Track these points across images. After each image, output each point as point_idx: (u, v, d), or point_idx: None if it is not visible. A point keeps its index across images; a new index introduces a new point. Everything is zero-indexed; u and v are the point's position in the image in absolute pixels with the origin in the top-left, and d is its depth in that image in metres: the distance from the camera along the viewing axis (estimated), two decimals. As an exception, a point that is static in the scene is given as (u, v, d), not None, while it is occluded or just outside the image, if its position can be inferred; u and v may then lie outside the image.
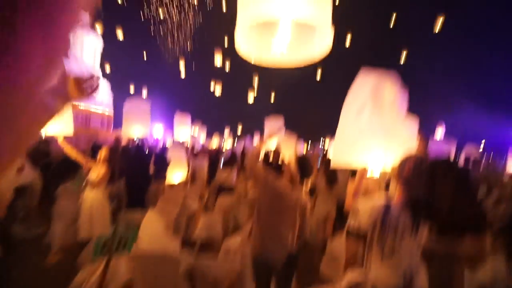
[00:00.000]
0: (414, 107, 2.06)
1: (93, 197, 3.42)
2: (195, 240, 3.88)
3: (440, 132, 9.89)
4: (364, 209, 1.64)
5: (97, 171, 3.44)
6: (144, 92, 16.81)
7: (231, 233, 4.06)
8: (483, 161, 7.60)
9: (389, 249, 1.49)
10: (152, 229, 2.41)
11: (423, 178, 1.46)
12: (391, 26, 15.05)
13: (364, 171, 1.81)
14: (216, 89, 15.02)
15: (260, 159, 2.35)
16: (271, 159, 5.26)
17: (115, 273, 1.97)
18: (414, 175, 1.51)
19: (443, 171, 1.49)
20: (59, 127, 3.07)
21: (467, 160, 4.89)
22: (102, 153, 3.52)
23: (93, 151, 7.24)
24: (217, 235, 4.06)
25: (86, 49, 16.37)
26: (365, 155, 1.84)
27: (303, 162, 2.45)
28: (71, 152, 3.55)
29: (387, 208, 1.53)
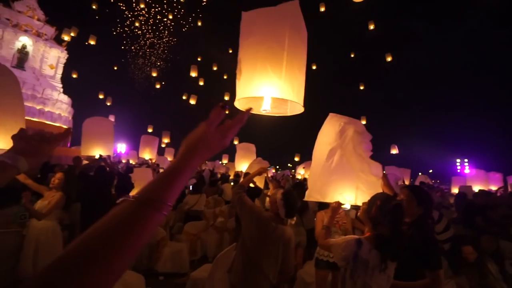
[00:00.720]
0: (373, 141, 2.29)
1: (41, 227, 2.89)
2: (159, 272, 3.58)
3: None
4: (337, 243, 1.69)
5: (49, 197, 2.96)
6: (109, 106, 15.97)
7: (198, 263, 3.84)
8: (434, 187, 8.40)
9: (362, 284, 1.54)
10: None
11: (387, 218, 1.58)
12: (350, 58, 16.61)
13: (338, 205, 1.89)
14: (191, 103, 14.81)
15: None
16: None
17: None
18: (379, 214, 1.62)
19: (403, 214, 1.62)
20: (7, 142, 2.70)
21: (421, 185, 5.37)
22: (57, 178, 3.06)
23: (43, 171, 6.50)
24: (184, 265, 3.80)
25: (47, 61, 15.33)
26: (336, 192, 1.99)
27: (289, 199, 2.11)
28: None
29: (358, 243, 1.60)
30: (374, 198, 1.71)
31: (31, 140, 0.77)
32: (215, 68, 15.80)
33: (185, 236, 4.32)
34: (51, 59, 15.56)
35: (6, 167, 0.72)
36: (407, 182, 9.58)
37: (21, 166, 0.74)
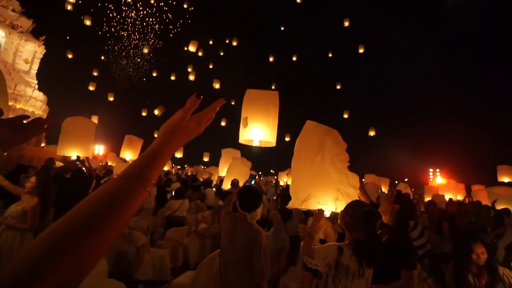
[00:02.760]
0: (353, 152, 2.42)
1: (11, 235, 2.58)
2: (139, 280, 3.46)
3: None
4: (320, 250, 1.75)
5: (25, 202, 2.70)
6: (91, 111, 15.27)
7: (180, 270, 3.75)
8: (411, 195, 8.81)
9: None
10: (96, 274, 2.07)
11: (359, 223, 1.67)
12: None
13: (321, 212, 1.96)
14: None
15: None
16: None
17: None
18: (352, 221, 1.71)
19: (375, 218, 1.72)
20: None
21: (399, 193, 5.62)
22: (30, 182, 2.79)
23: (16, 172, 6.08)
24: (165, 273, 3.70)
25: (21, 54, 14.50)
26: (316, 202, 2.08)
27: (248, 195, 2.30)
28: None
29: (340, 249, 1.66)
30: (346, 207, 1.82)
31: (6, 127, 0.73)
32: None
33: (167, 242, 4.21)
34: (26, 53, 14.73)
35: None
36: (385, 191, 9.98)
37: None
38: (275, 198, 6.11)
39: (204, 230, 4.75)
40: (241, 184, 4.46)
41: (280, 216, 3.80)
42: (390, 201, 2.16)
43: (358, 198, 2.16)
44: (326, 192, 2.10)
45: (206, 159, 15.91)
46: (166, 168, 12.56)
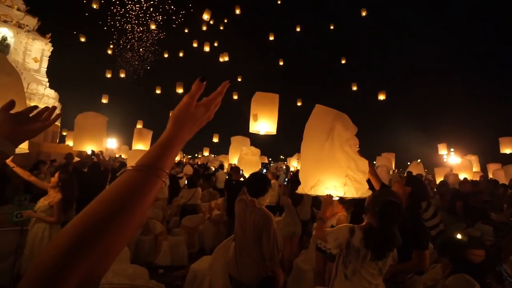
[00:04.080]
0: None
1: (41, 227, 2.76)
2: (159, 265, 3.65)
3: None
4: (332, 232, 1.79)
5: (51, 197, 2.83)
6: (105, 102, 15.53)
7: (197, 255, 3.92)
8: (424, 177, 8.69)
9: (352, 270, 1.66)
10: (118, 261, 2.21)
11: (375, 209, 1.68)
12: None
13: (329, 198, 1.99)
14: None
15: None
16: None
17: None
18: (371, 204, 1.75)
19: (393, 210, 1.69)
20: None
21: (410, 175, 5.56)
22: (55, 178, 2.89)
23: (36, 168, 6.37)
24: (183, 258, 3.88)
25: (30, 53, 14.74)
26: (325, 187, 2.08)
27: (255, 181, 2.37)
28: (22, 172, 3.05)
29: (351, 231, 1.70)
30: (376, 191, 1.82)
31: (16, 121, 0.71)
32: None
33: (183, 230, 4.38)
34: (34, 52, 14.97)
35: None
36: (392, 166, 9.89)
37: (9, 151, 0.69)
38: (285, 183, 6.18)
39: (218, 216, 4.90)
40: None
41: (291, 201, 3.86)
42: (401, 184, 2.16)
43: (367, 183, 2.16)
44: (334, 178, 2.10)
45: (215, 139, 16.11)
46: (177, 158, 12.81)
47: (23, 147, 1.94)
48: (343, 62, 16.86)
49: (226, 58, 14.98)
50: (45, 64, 15.32)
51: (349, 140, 2.17)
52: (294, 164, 11.99)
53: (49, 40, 15.41)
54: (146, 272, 2.40)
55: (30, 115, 0.75)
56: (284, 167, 11.20)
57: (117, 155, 13.56)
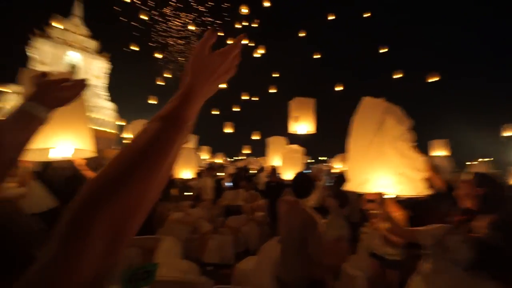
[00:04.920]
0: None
1: None
2: (206, 263, 3.80)
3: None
4: (426, 230, 1.65)
5: None
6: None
7: (242, 255, 3.98)
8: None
9: (435, 269, 1.51)
10: (170, 255, 2.37)
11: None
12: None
13: (381, 196, 1.83)
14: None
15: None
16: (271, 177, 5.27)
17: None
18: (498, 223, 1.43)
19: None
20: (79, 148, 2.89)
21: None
22: None
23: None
24: (229, 257, 3.98)
25: (92, 70, 16.84)
26: (376, 186, 1.91)
27: (300, 181, 2.33)
28: (93, 175, 3.43)
29: (448, 231, 1.55)
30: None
31: (50, 88, 0.70)
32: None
33: (228, 230, 4.51)
34: (96, 70, 17.08)
35: (30, 119, 0.65)
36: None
37: (43, 115, 0.67)
38: (328, 185, 5.95)
39: (261, 217, 4.93)
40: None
41: (336, 202, 3.69)
42: (471, 184, 1.89)
43: (422, 184, 1.95)
44: (385, 175, 1.93)
45: (257, 137, 16.18)
46: (220, 161, 13.28)
47: (93, 150, 2.18)
48: (383, 50, 15.78)
49: (262, 51, 15.00)
50: (104, 80, 17.38)
51: (402, 135, 1.99)
52: (336, 165, 11.50)
53: (107, 59, 17.48)
54: (197, 268, 2.52)
55: (62, 84, 0.75)
56: (326, 169, 10.81)
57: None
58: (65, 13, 16.91)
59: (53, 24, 15.53)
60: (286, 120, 5.27)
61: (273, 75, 19.09)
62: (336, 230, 3.79)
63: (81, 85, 0.79)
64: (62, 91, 0.73)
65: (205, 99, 0.54)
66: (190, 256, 3.82)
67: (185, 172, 5.84)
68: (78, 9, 17.25)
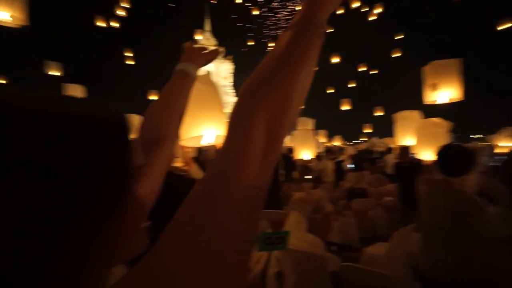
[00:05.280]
0: None
1: None
2: (331, 243, 3.83)
3: None
4: None
5: None
6: None
7: (370, 240, 3.73)
8: None
9: None
10: (297, 229, 2.56)
11: None
12: None
13: None
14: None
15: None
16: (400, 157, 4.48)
17: (271, 265, 2.23)
18: None
19: None
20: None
21: None
22: None
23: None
24: (354, 240, 3.84)
25: (220, 73, 20.08)
26: None
27: (452, 154, 1.91)
28: None
29: None
30: None
31: (195, 50, 0.88)
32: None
33: (352, 213, 4.32)
34: (224, 72, 20.27)
35: (184, 75, 0.81)
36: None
37: (194, 72, 0.83)
38: (492, 165, 4.50)
39: (390, 202, 4.40)
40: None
41: (507, 189, 2.73)
42: None
43: None
44: None
45: (380, 113, 14.51)
46: (338, 144, 12.79)
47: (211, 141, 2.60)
48: None
49: (379, 10, 12.77)
50: (231, 79, 20.40)
51: None
52: (501, 143, 8.47)
53: (231, 61, 20.35)
54: (322, 244, 2.59)
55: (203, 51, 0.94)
56: (486, 147, 8.17)
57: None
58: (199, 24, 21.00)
59: (196, 38, 19.57)
60: (418, 90, 4.33)
61: (396, 38, 15.89)
62: (507, 226, 2.83)
63: (217, 51, 0.98)
64: (204, 54, 0.93)
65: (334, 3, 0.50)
66: (314, 234, 3.97)
67: (305, 152, 5.99)
68: (207, 25, 21.54)
